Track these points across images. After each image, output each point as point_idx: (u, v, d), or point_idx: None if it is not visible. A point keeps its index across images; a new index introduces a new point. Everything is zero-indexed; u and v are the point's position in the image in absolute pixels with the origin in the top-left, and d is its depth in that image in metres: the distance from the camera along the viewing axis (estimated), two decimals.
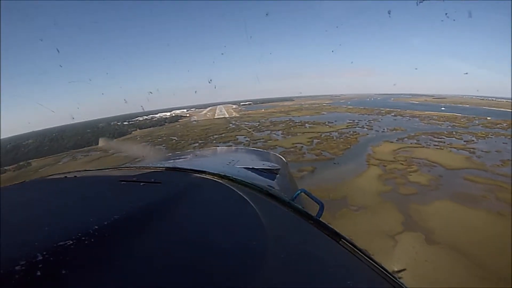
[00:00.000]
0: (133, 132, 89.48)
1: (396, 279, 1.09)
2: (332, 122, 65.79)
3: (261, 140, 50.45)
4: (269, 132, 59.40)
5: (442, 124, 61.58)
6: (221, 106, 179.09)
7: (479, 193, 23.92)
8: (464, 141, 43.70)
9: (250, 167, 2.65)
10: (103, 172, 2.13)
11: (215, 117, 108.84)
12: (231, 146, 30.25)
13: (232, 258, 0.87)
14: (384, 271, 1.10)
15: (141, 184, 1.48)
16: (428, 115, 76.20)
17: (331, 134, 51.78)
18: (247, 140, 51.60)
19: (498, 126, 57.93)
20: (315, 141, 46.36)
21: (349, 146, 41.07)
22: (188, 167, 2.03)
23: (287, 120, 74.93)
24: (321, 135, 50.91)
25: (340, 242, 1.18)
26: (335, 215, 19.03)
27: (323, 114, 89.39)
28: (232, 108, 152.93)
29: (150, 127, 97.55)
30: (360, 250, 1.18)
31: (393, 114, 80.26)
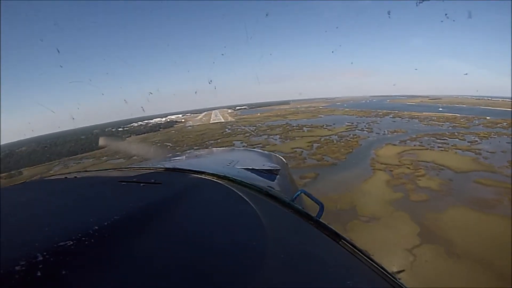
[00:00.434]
0: (127, 138, 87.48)
1: (396, 279, 1.09)
2: (331, 125, 64.39)
3: (259, 145, 48.75)
4: (266, 136, 57.77)
5: (443, 125, 60.55)
6: (216, 111, 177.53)
7: (492, 197, 22.50)
8: (468, 142, 42.46)
9: (250, 167, 2.59)
10: (103, 173, 2.13)
11: (211, 122, 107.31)
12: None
13: (232, 258, 0.87)
14: (384, 272, 1.11)
15: (141, 184, 1.48)
16: (427, 116, 75.30)
17: (331, 137, 50.22)
18: (244, 146, 49.92)
19: (498, 125, 57.11)
20: (315, 145, 44.69)
21: (351, 150, 39.46)
22: (188, 168, 2.01)
23: (284, 124, 73.36)
24: (320, 138, 49.34)
25: (340, 242, 1.19)
26: (345, 227, 17.30)
27: (320, 117, 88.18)
28: (228, 113, 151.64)
29: (144, 133, 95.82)
30: (360, 250, 1.18)
31: (391, 116, 79.27)
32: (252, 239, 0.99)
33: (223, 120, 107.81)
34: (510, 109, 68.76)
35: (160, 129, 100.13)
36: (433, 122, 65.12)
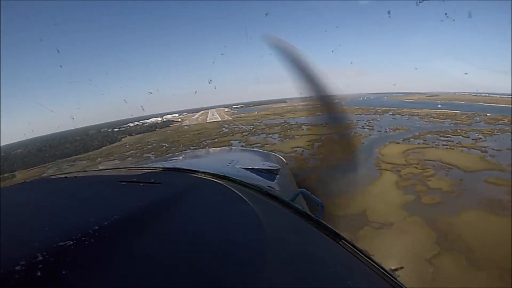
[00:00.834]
0: (122, 139, 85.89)
1: (396, 279, 1.10)
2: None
3: (257, 144, 47.34)
4: (264, 135, 56.34)
5: (444, 122, 59.51)
6: (213, 110, 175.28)
7: (506, 198, 21.36)
8: (472, 140, 41.44)
9: (250, 167, 2.56)
10: (103, 173, 2.13)
11: (207, 121, 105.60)
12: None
13: (232, 258, 0.87)
14: (384, 271, 1.12)
15: (141, 184, 1.48)
16: (427, 113, 74.24)
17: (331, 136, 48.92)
18: (242, 145, 48.47)
19: (500, 122, 56.20)
20: (316, 144, 43.30)
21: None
22: (188, 168, 2.00)
23: (282, 123, 71.88)
24: (321, 137, 47.95)
25: (340, 242, 1.19)
26: (356, 234, 15.96)
27: (319, 115, 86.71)
28: (224, 112, 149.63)
29: (140, 133, 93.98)
30: (359, 250, 1.19)
31: (390, 113, 78.19)
32: (252, 239, 1.00)
33: (220, 119, 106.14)
34: (510, 106, 68.09)
35: (156, 129, 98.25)
36: (434, 119, 64.08)
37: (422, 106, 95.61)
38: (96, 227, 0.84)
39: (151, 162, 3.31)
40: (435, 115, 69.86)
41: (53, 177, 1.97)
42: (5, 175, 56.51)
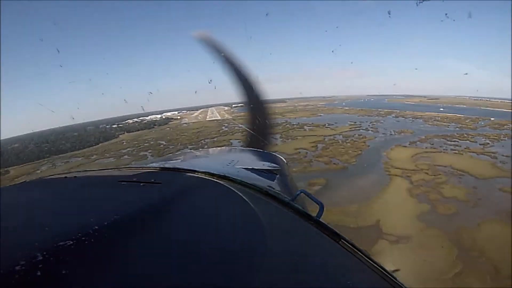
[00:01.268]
0: (120, 135, 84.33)
1: (396, 279, 1.10)
2: (333, 124, 61.78)
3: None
4: None
5: (448, 125, 58.50)
6: (212, 108, 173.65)
7: None
8: (480, 145, 40.31)
9: (250, 167, 2.53)
10: (103, 173, 2.13)
11: (207, 119, 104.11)
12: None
13: (232, 258, 0.88)
14: (384, 271, 1.12)
15: (141, 184, 1.48)
16: (430, 116, 73.23)
17: (335, 137, 47.51)
18: (242, 145, 46.95)
19: (505, 127, 55.33)
20: (320, 145, 41.80)
21: (360, 152, 36.73)
22: (188, 168, 2.00)
23: (283, 122, 70.33)
24: (324, 138, 46.60)
25: (340, 242, 1.19)
26: (371, 249, 14.58)
27: (320, 115, 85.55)
28: (224, 110, 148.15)
29: (138, 130, 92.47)
30: (360, 250, 1.19)
31: (393, 115, 77.02)
32: (252, 239, 1.00)
33: (219, 118, 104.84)
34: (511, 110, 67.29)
35: (155, 126, 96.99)
36: (438, 122, 63.00)
37: (424, 109, 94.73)
38: (96, 227, 0.84)
39: (151, 162, 3.21)
40: (439, 118, 68.82)
41: (53, 177, 1.91)
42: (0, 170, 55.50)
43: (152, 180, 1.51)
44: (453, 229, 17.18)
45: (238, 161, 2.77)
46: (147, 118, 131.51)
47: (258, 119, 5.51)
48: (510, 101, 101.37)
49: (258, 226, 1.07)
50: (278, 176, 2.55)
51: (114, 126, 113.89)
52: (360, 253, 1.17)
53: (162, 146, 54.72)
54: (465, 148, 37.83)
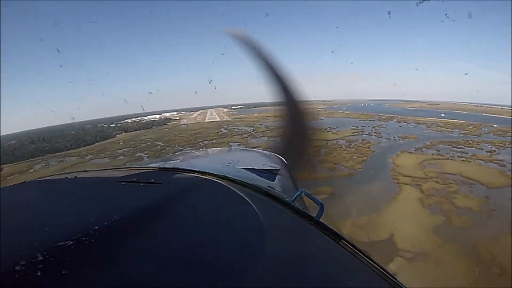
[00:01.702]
0: (117, 135, 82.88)
1: (396, 280, 1.10)
2: (334, 128, 60.84)
3: (259, 148, 44.74)
4: (266, 138, 53.78)
5: (452, 131, 57.67)
6: (211, 109, 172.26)
7: None
8: (487, 152, 39.55)
9: (250, 167, 2.47)
10: (103, 173, 2.12)
11: (206, 120, 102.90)
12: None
13: (232, 258, 0.88)
14: (384, 272, 1.12)
15: (141, 184, 1.47)
16: (433, 122, 72.41)
17: (338, 142, 46.51)
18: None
19: (509, 134, 54.46)
20: (323, 150, 40.80)
21: (365, 158, 35.69)
22: (188, 168, 1.99)
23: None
24: (327, 143, 45.53)
25: (340, 242, 1.19)
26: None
27: (321, 119, 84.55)
28: (223, 112, 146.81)
29: (136, 130, 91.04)
30: (360, 250, 1.19)
31: (395, 120, 76.19)
32: (252, 239, 1.00)
33: (218, 119, 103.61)
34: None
35: (153, 127, 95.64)
36: (442, 128, 62.22)
37: (425, 114, 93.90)
38: (96, 227, 0.84)
39: (150, 163, 3.05)
40: (442, 124, 68.01)
41: (53, 177, 1.93)
42: None
43: (152, 180, 1.50)
44: (470, 243, 16.11)
45: (238, 161, 2.71)
46: (145, 118, 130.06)
47: (294, 123, 4.98)
48: (510, 108, 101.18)
49: (258, 226, 1.07)
50: (278, 176, 2.50)
51: (112, 125, 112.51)
52: (360, 254, 1.15)
53: (159, 147, 53.52)
54: (472, 156, 36.96)
